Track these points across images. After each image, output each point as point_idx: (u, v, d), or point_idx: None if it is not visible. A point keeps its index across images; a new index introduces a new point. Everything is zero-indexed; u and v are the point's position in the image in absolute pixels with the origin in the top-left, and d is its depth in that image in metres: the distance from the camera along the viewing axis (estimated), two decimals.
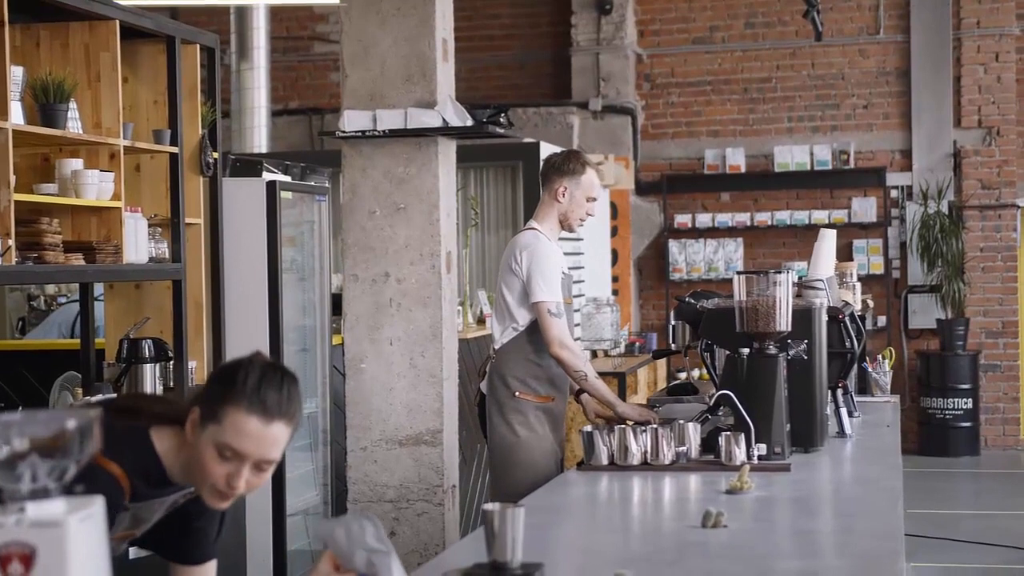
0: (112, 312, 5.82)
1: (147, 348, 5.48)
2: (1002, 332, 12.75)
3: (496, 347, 5.37)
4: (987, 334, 12.73)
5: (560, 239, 5.41)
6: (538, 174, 9.61)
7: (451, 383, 6.21)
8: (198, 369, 5.84)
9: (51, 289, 9.18)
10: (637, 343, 11.10)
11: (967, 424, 12.41)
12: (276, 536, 6.44)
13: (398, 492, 5.82)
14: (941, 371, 12.43)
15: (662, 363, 11.33)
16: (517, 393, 5.27)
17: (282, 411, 2.58)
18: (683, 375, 12.48)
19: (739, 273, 4.50)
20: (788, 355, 4.50)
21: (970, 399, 12.39)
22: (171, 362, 5.62)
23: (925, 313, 12.73)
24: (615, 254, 12.54)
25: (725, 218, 13.02)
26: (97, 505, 1.78)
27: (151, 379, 5.47)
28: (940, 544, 8.74)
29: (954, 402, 12.37)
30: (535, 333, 5.28)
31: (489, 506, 2.76)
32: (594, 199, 5.42)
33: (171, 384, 5.63)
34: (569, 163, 5.39)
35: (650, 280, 13.28)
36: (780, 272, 4.48)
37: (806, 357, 4.58)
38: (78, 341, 5.79)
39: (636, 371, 9.82)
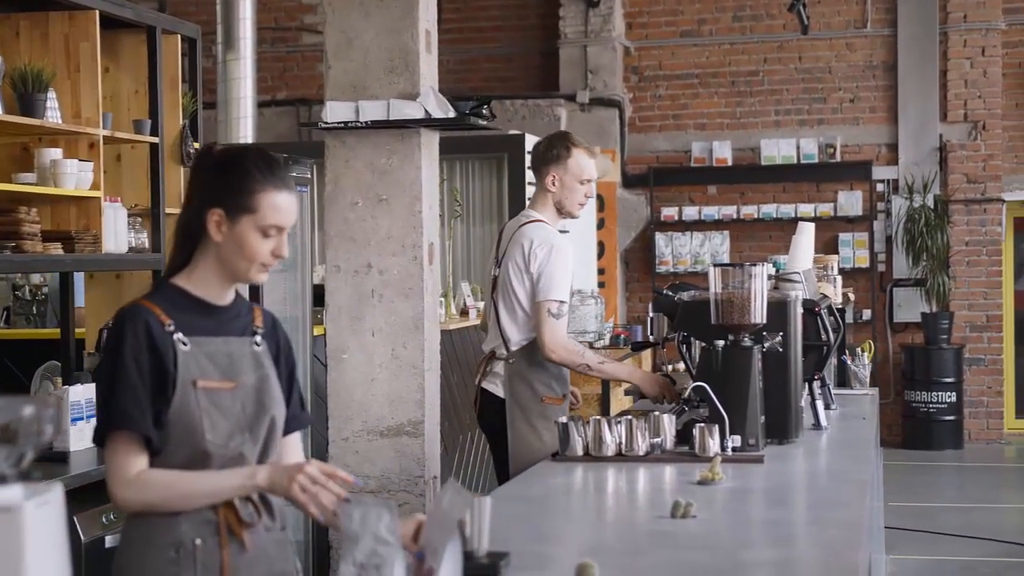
0: (92, 302, 5.83)
1: None
2: (986, 326, 12.79)
3: (512, 347, 5.18)
4: (971, 328, 12.77)
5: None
6: (523, 166, 9.69)
7: (433, 374, 6.22)
8: None
9: (36, 279, 9.17)
10: (623, 335, 11.11)
11: (951, 417, 12.46)
12: None
13: (379, 483, 5.83)
14: (925, 364, 12.47)
15: (647, 355, 11.35)
16: (544, 398, 5.14)
17: (290, 180, 2.92)
18: (669, 367, 12.51)
19: (715, 265, 4.51)
20: (763, 347, 4.52)
21: (954, 393, 12.44)
22: None
23: (910, 307, 12.77)
24: (602, 246, 12.57)
25: (712, 211, 13.05)
26: (55, 491, 1.80)
27: None
28: (921, 537, 8.78)
29: (938, 395, 12.41)
30: None
31: None
32: (588, 180, 5.20)
33: None
34: (553, 149, 5.21)
35: (637, 273, 13.31)
36: (755, 265, 4.49)
37: (781, 349, 4.60)
38: (58, 331, 5.79)
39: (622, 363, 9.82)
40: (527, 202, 9.63)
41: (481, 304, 8.29)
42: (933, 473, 11.61)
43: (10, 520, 1.72)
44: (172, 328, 2.83)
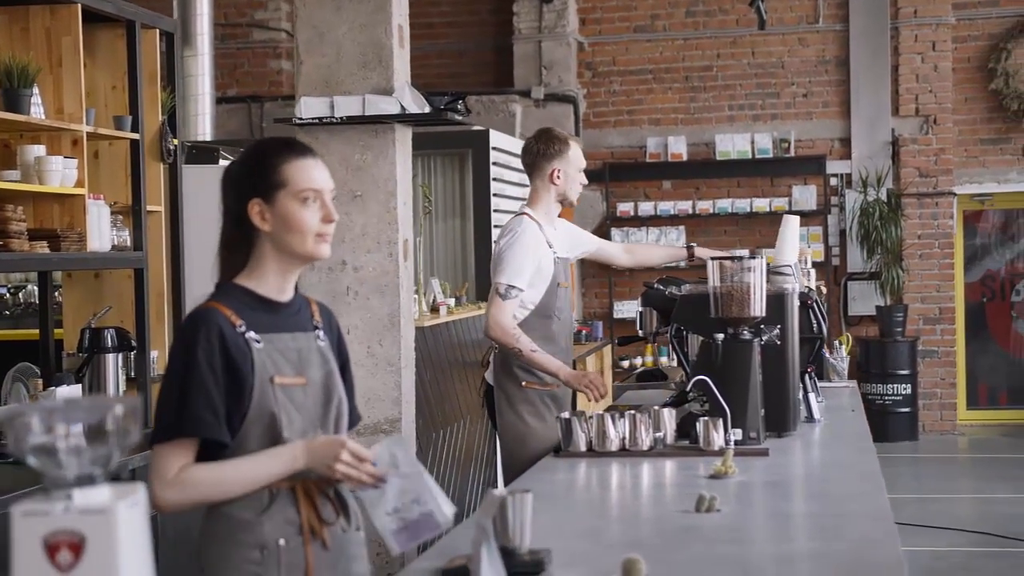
0: (71, 301, 5.72)
1: (109, 338, 5.39)
2: (939, 318, 12.91)
3: None
4: (925, 320, 12.89)
5: None
6: (488, 162, 9.65)
7: (409, 371, 6.18)
8: (160, 359, 5.76)
9: None
10: (584, 331, 11.12)
11: (906, 410, 12.56)
12: None
13: None
14: (880, 357, 12.56)
15: (608, 351, 11.37)
16: (524, 383, 5.31)
17: (311, 150, 2.94)
18: (626, 363, 12.52)
19: (713, 259, 4.50)
20: (762, 340, 4.52)
21: (909, 385, 12.54)
22: (133, 352, 5.54)
23: (864, 300, 12.86)
24: None
25: (667, 206, 13.07)
26: (141, 492, 1.75)
27: (113, 369, 5.38)
28: None
29: (893, 388, 12.51)
30: (535, 320, 5.27)
31: (498, 492, 2.75)
32: (583, 168, 5.52)
33: (133, 374, 5.54)
34: (553, 145, 5.43)
35: (593, 269, 13.30)
36: (754, 258, 4.49)
37: (779, 342, 4.60)
38: (36, 331, 5.68)
39: (584, 359, 9.84)
40: (492, 198, 9.68)
41: (452, 301, 8.26)
42: (889, 465, 11.64)
43: (105, 522, 1.68)
44: (243, 328, 2.81)
